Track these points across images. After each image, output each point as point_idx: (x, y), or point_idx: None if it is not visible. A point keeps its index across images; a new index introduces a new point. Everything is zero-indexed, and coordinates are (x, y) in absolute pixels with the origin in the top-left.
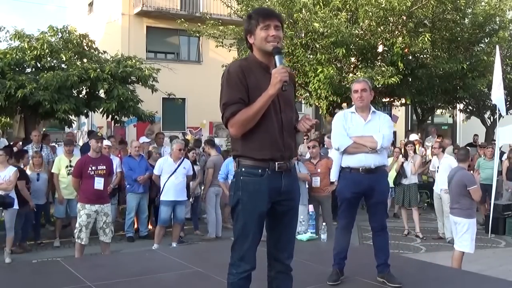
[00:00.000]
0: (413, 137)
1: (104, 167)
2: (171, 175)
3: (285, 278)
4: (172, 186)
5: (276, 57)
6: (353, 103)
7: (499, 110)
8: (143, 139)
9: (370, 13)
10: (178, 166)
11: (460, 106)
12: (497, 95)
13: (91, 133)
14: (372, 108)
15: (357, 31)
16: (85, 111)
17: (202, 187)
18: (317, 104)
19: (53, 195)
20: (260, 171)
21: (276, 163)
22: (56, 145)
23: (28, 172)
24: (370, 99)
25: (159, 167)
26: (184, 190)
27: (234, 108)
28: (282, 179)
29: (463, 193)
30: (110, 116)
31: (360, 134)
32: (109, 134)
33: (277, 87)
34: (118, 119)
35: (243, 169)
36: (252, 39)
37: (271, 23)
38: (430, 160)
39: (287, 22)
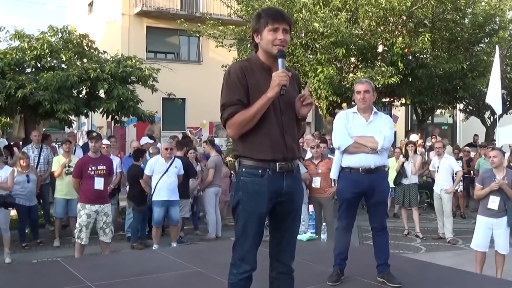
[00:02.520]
0: (414, 137)
1: (104, 167)
2: (163, 175)
3: (286, 279)
4: (165, 186)
5: (279, 61)
6: (354, 103)
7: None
8: (146, 139)
9: (370, 13)
10: (170, 165)
11: (460, 106)
12: (493, 94)
13: (90, 133)
14: (374, 109)
15: (357, 31)
16: (85, 111)
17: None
18: (317, 104)
19: (52, 194)
20: (260, 171)
21: (277, 163)
22: (56, 146)
23: (16, 174)
24: (372, 100)
25: (150, 168)
26: (176, 189)
27: (232, 110)
28: (284, 180)
29: None
30: (110, 116)
31: (362, 134)
32: (109, 134)
33: (276, 91)
34: (118, 119)
35: (244, 169)
36: (258, 38)
37: (280, 26)
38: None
39: None
